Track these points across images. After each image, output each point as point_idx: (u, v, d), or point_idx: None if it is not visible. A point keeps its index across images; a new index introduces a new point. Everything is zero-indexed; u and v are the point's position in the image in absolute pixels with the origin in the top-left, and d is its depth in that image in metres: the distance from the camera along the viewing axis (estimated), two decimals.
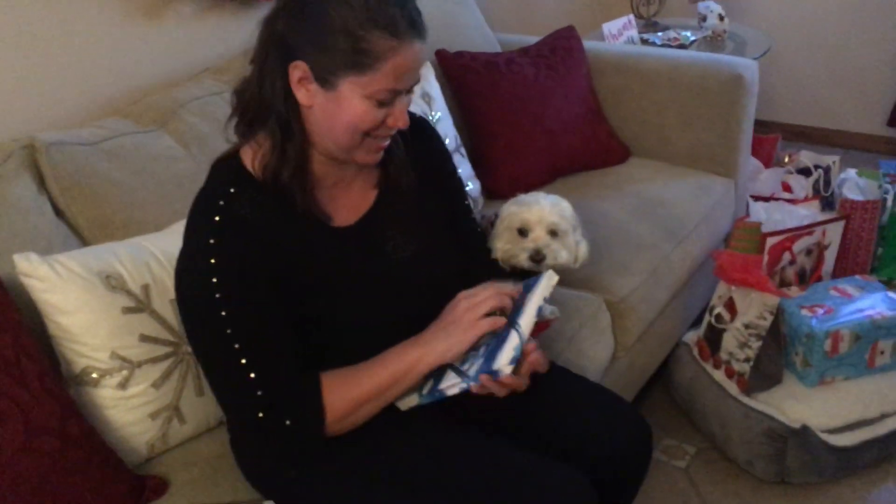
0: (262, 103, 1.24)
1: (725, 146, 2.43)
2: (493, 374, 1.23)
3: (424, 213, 1.44)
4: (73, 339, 1.39)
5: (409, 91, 1.28)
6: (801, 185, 2.69)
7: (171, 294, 1.45)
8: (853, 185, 2.59)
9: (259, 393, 1.22)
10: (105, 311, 1.39)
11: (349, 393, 1.27)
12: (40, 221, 1.52)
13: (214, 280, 1.19)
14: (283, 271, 1.25)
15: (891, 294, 2.12)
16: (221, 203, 1.23)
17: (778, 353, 2.02)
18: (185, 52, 2.01)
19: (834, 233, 2.31)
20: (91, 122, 1.73)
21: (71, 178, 1.57)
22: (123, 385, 1.42)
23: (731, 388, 2.07)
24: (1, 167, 1.52)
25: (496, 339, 1.28)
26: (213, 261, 1.20)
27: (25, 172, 1.55)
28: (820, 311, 2.04)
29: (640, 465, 1.46)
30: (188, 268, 1.24)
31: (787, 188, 2.71)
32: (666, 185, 2.35)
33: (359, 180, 1.38)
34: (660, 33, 3.28)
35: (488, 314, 1.29)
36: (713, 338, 2.12)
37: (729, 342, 2.07)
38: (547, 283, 1.32)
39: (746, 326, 2.01)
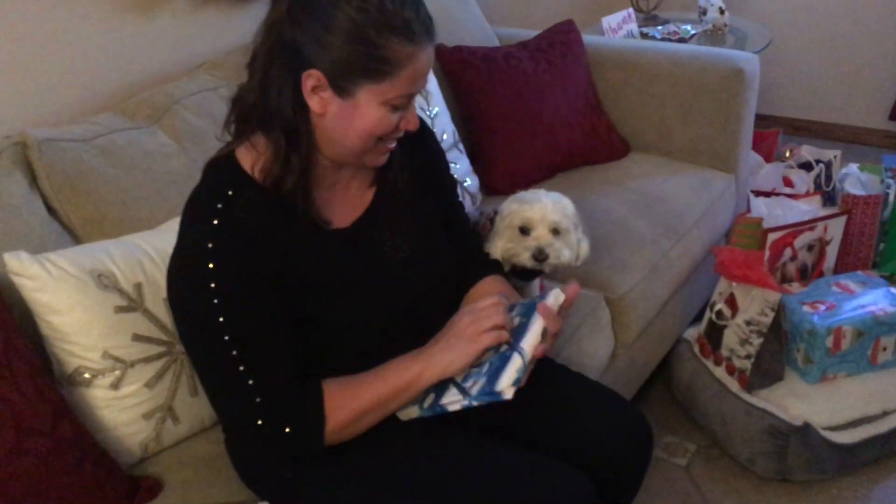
0: (267, 112, 1.20)
1: (726, 141, 2.41)
2: (495, 397, 1.21)
3: (420, 212, 1.43)
4: (64, 339, 1.37)
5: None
6: (803, 180, 2.67)
7: (164, 293, 1.43)
8: (855, 179, 2.57)
9: (258, 400, 1.20)
10: (97, 310, 1.37)
11: (350, 403, 1.25)
12: (32, 219, 1.50)
13: (213, 285, 1.17)
14: (281, 274, 1.23)
15: (893, 290, 2.10)
16: (219, 206, 1.20)
17: (779, 349, 2.00)
18: (179, 48, 1.99)
19: (835, 228, 2.29)
20: (84, 118, 1.71)
21: (63, 175, 1.55)
22: (116, 385, 1.40)
23: (732, 385, 2.06)
24: None
25: (499, 357, 1.26)
26: (211, 265, 1.17)
27: (17, 169, 1.53)
28: (822, 307, 2.03)
29: (640, 464, 1.44)
30: (184, 271, 1.21)
31: (788, 183, 2.69)
32: (666, 180, 2.33)
33: (355, 181, 1.36)
34: (659, 27, 3.26)
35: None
36: (714, 334, 2.11)
37: (730, 339, 2.05)
38: (554, 302, 1.31)
39: (747, 323, 2.00)
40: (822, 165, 2.66)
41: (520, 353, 1.23)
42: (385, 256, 1.36)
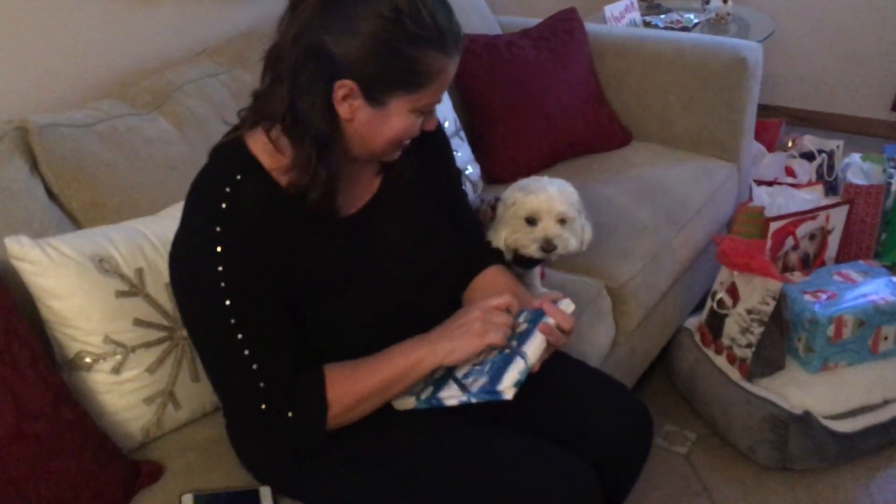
0: (297, 121, 1.18)
1: (728, 130, 2.40)
2: (496, 396, 1.21)
3: (425, 200, 1.43)
4: (65, 324, 1.37)
5: None
6: (805, 170, 2.66)
7: (166, 278, 1.44)
8: (857, 169, 2.56)
9: (261, 385, 1.20)
10: (98, 294, 1.37)
11: (352, 388, 1.25)
12: (33, 205, 1.50)
13: (220, 268, 1.16)
14: (287, 261, 1.23)
15: (895, 279, 2.10)
16: (228, 190, 1.20)
17: (780, 338, 2.00)
18: (181, 34, 1.99)
19: (837, 217, 2.28)
20: (85, 104, 1.70)
21: (64, 161, 1.55)
22: (117, 370, 1.40)
23: (733, 373, 2.05)
24: None
25: (502, 358, 1.26)
26: (219, 248, 1.16)
27: (18, 155, 1.52)
28: (823, 296, 2.02)
29: (640, 451, 1.44)
30: (190, 255, 1.20)
31: (790, 172, 2.68)
32: (668, 169, 2.33)
33: (364, 170, 1.36)
34: (662, 16, 3.25)
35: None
36: (715, 323, 2.11)
37: (731, 328, 2.05)
38: (566, 307, 1.33)
39: (749, 312, 2.00)
40: (824, 155, 2.66)
41: (523, 357, 1.23)
42: (390, 243, 1.36)
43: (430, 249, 1.40)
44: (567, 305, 1.34)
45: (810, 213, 2.20)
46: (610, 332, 1.92)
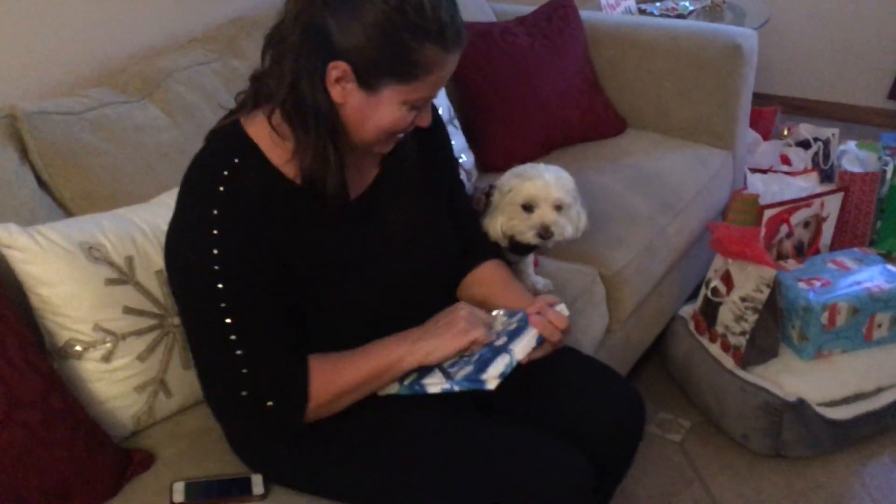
0: (300, 105, 1.18)
1: (723, 118, 2.40)
2: (479, 384, 1.22)
3: (425, 187, 1.42)
4: (55, 312, 1.36)
5: None
6: (800, 158, 2.66)
7: (156, 266, 1.44)
8: (852, 157, 2.56)
9: (244, 371, 1.20)
10: (88, 282, 1.36)
11: (333, 382, 1.25)
12: (23, 193, 1.49)
13: (215, 251, 1.17)
14: (284, 246, 1.23)
15: (889, 267, 2.10)
16: (226, 173, 1.19)
17: (774, 326, 2.00)
18: (172, 21, 1.97)
19: (832, 205, 2.28)
20: (75, 92, 1.69)
21: (54, 149, 1.54)
22: (108, 358, 1.39)
23: (727, 361, 2.05)
24: None
25: (490, 350, 1.27)
26: (215, 231, 1.17)
27: (7, 143, 1.52)
28: (817, 283, 2.02)
29: (632, 438, 1.44)
30: (186, 237, 1.21)
31: (785, 161, 2.68)
32: (663, 157, 2.32)
33: (365, 157, 1.35)
34: (658, 3, 3.24)
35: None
36: (709, 311, 2.10)
37: (725, 315, 2.05)
38: (562, 310, 1.34)
39: (743, 299, 1.99)
40: (820, 143, 2.65)
41: (509, 353, 1.24)
42: (388, 231, 1.36)
43: (427, 239, 1.40)
44: (562, 310, 1.34)
45: (805, 201, 2.19)
46: (604, 320, 1.92)
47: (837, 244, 2.37)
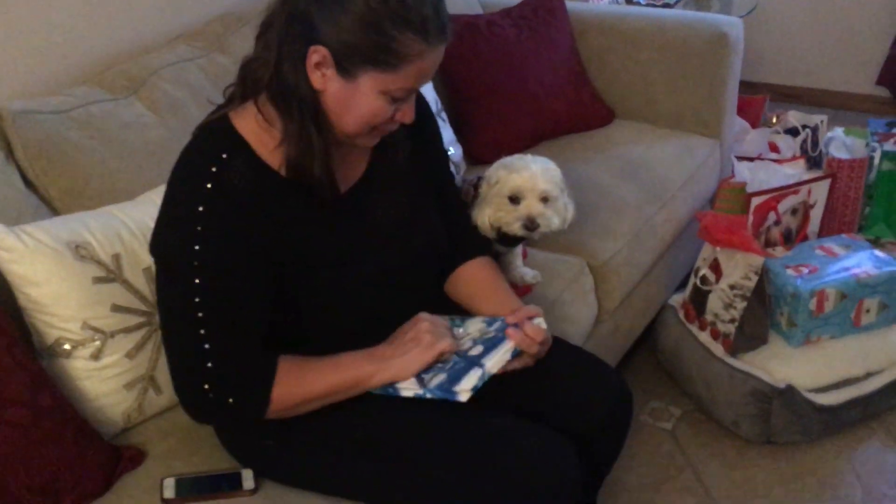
0: (283, 89, 1.19)
1: (711, 106, 2.40)
2: (451, 395, 1.23)
3: (414, 182, 1.43)
4: (43, 311, 1.37)
5: None
6: (789, 145, 2.66)
7: (144, 263, 1.44)
8: (840, 143, 2.57)
9: (209, 364, 1.21)
10: (75, 281, 1.37)
11: (297, 389, 1.26)
12: (9, 192, 1.49)
13: (196, 247, 1.18)
14: (271, 242, 1.24)
15: (877, 252, 2.11)
16: (214, 169, 1.20)
17: (763, 313, 2.01)
18: (157, 18, 1.97)
19: (819, 192, 2.29)
20: (60, 90, 1.69)
21: (40, 148, 1.54)
22: (96, 356, 1.40)
23: (717, 349, 2.06)
24: None
25: (465, 361, 1.28)
26: (199, 227, 1.18)
27: None
28: (805, 270, 2.03)
29: (620, 426, 1.45)
30: (171, 228, 1.22)
31: (774, 148, 2.68)
32: (650, 146, 2.32)
33: (354, 150, 1.36)
34: None
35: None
36: (698, 299, 2.11)
37: (714, 303, 2.06)
38: (539, 323, 1.35)
39: (731, 287, 2.00)
40: (808, 131, 2.65)
41: (482, 367, 1.25)
42: (378, 224, 1.36)
43: (417, 234, 1.40)
44: (540, 323, 1.35)
45: (792, 188, 2.20)
46: (592, 310, 1.93)
47: (826, 231, 2.38)
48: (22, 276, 1.35)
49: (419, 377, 1.27)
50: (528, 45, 2.36)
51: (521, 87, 2.34)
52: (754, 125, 2.83)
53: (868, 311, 2.04)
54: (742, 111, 2.70)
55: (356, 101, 1.20)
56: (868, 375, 2.02)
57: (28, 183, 1.55)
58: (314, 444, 1.32)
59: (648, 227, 2.08)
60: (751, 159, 2.42)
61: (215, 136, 1.26)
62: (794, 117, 2.76)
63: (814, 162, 2.58)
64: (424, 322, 1.30)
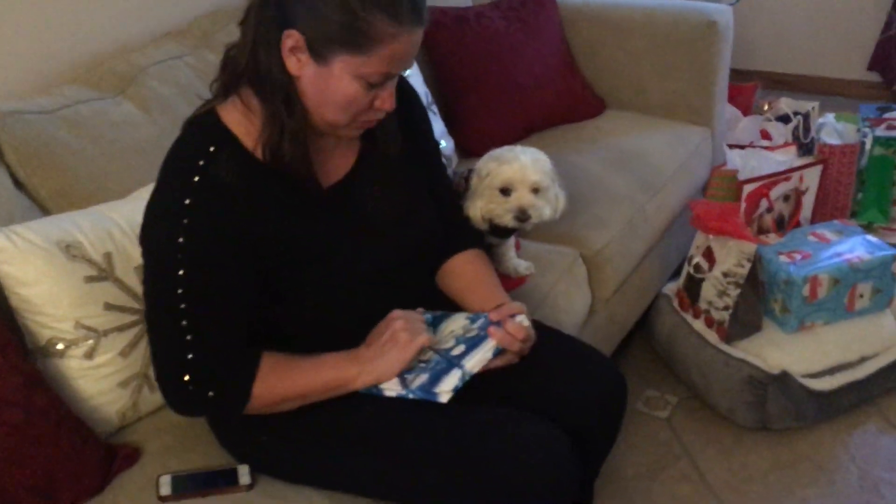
0: (258, 72, 1.20)
1: (701, 95, 2.41)
2: (432, 396, 1.24)
3: (406, 174, 1.42)
4: (35, 311, 1.36)
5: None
6: (780, 133, 2.67)
7: (135, 262, 1.43)
8: (831, 129, 2.57)
9: (190, 356, 1.21)
10: (66, 280, 1.37)
11: (278, 387, 1.26)
12: None
13: (181, 240, 1.18)
14: (259, 236, 1.24)
15: (869, 237, 2.11)
16: (201, 163, 1.20)
17: (756, 300, 2.01)
18: (144, 16, 1.96)
19: (811, 178, 2.29)
20: (48, 90, 1.68)
21: (29, 148, 1.54)
22: (90, 355, 1.40)
23: (711, 337, 2.07)
24: None
25: (446, 361, 1.29)
26: (185, 221, 1.18)
27: None
28: (798, 256, 2.03)
29: (614, 415, 1.45)
30: (158, 219, 1.22)
31: (766, 136, 2.69)
32: (641, 136, 2.33)
33: (342, 142, 1.36)
34: None
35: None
36: (692, 288, 2.12)
37: (708, 291, 2.06)
38: (521, 321, 1.34)
39: (725, 275, 2.00)
40: (800, 117, 2.66)
41: (461, 369, 1.26)
42: (368, 216, 1.36)
43: (408, 226, 1.40)
44: (522, 320, 1.35)
45: (783, 175, 2.20)
46: (586, 300, 1.93)
47: (818, 217, 2.39)
48: (13, 276, 1.35)
49: (402, 377, 1.28)
50: (517, 36, 2.36)
51: (511, 78, 2.33)
52: (745, 113, 2.83)
53: (861, 295, 2.04)
54: (733, 99, 2.71)
55: (331, 87, 1.20)
56: (862, 360, 2.03)
57: (18, 184, 1.54)
58: (309, 439, 1.32)
59: (641, 217, 2.08)
60: (742, 147, 2.43)
61: (203, 129, 1.26)
62: (785, 104, 2.76)
63: (805, 148, 2.58)
64: (398, 320, 1.29)
